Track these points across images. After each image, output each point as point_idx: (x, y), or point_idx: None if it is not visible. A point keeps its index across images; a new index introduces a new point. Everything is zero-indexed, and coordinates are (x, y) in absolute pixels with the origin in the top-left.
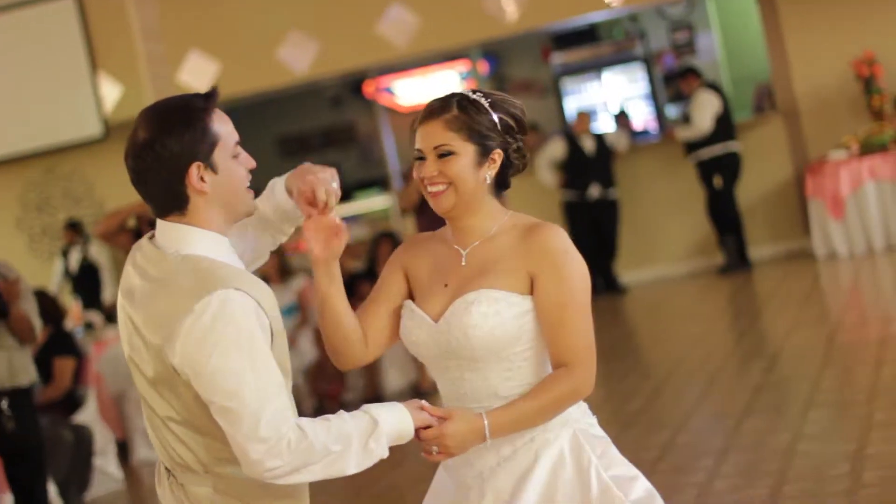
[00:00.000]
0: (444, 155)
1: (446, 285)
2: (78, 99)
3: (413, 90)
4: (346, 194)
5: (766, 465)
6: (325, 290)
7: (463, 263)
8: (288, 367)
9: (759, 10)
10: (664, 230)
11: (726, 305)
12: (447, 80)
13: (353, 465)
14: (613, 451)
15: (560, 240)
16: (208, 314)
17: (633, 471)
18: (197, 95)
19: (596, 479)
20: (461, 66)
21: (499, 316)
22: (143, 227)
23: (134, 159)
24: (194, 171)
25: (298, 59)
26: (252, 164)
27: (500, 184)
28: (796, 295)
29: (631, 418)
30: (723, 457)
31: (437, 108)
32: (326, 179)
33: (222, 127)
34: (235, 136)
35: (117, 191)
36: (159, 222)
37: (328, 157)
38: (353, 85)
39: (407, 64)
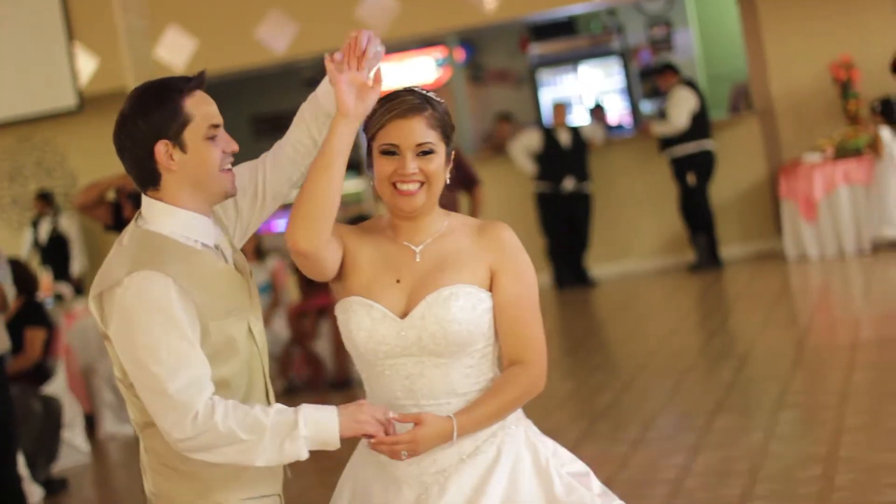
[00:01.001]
0: (426, 153)
1: (398, 281)
2: (54, 69)
3: (388, 74)
4: None
5: (737, 464)
6: (342, 148)
7: (417, 259)
8: (238, 348)
9: (738, 10)
10: (636, 225)
11: (696, 303)
12: (423, 66)
13: (262, 459)
14: (562, 449)
15: (514, 236)
16: (134, 288)
17: (584, 466)
18: (181, 78)
19: (557, 477)
20: (437, 53)
21: (474, 311)
22: (122, 201)
23: (114, 134)
24: (161, 148)
25: (277, 40)
26: (233, 147)
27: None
28: (766, 295)
29: (601, 413)
30: (694, 455)
31: (417, 105)
32: (372, 35)
33: (198, 108)
34: (213, 119)
35: (89, 163)
36: (143, 196)
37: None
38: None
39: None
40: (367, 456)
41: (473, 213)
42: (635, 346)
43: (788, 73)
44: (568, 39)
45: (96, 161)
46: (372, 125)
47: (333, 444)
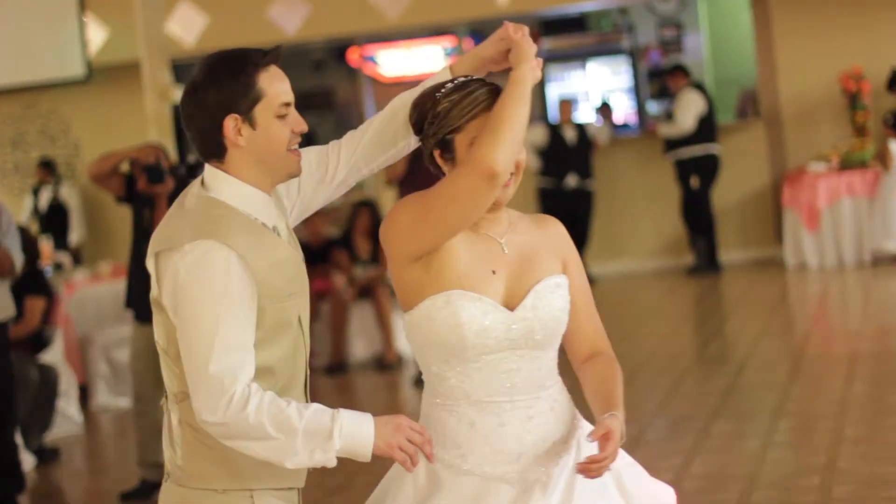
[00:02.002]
0: None
1: (494, 272)
2: (63, 38)
3: (396, 62)
4: None
5: (734, 469)
6: (529, 90)
7: (505, 251)
8: (290, 334)
9: (751, 15)
10: (637, 225)
11: (694, 306)
12: (431, 55)
13: (293, 461)
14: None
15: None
16: (192, 257)
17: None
18: (258, 50)
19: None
20: (447, 42)
21: (567, 301)
22: (136, 173)
23: (182, 102)
24: (230, 123)
25: (289, 20)
26: (302, 127)
27: None
28: (765, 302)
29: None
30: (691, 458)
31: (495, 94)
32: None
33: (272, 85)
34: (285, 97)
35: (94, 133)
36: (206, 165)
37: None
38: (337, 51)
39: (393, 35)
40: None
41: None
42: (633, 346)
43: (798, 80)
44: (578, 36)
45: (101, 131)
46: (456, 117)
47: (363, 458)
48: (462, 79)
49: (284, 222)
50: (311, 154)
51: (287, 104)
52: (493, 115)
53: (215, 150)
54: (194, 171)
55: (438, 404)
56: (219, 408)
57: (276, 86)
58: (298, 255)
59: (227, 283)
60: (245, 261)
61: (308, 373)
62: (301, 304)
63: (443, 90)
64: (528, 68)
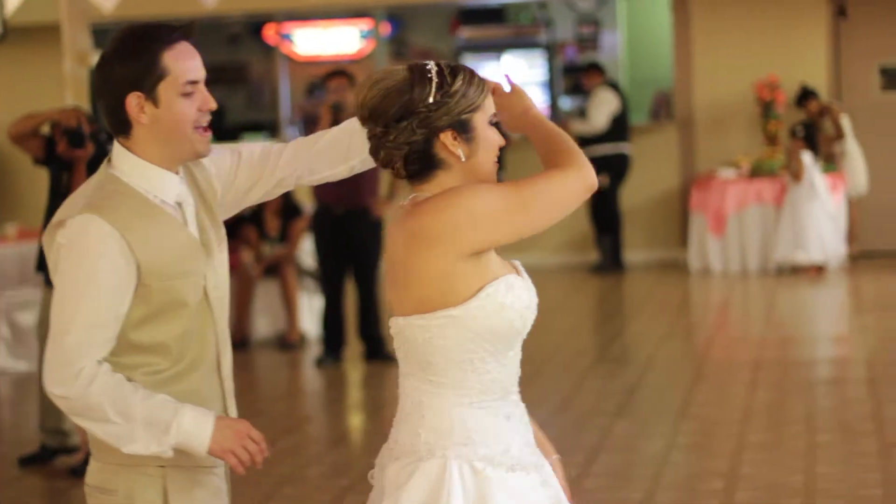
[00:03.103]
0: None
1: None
2: None
3: (311, 41)
4: (233, 135)
5: (638, 469)
6: None
7: None
8: (186, 312)
9: (671, 18)
10: None
11: (597, 304)
12: (347, 37)
13: (130, 448)
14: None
15: None
16: (71, 231)
17: None
18: (166, 27)
19: None
20: (363, 25)
21: None
22: (56, 136)
23: (93, 74)
24: (133, 100)
25: None
26: (210, 105)
27: None
28: (668, 305)
29: None
30: (594, 455)
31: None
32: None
33: (178, 63)
34: (191, 75)
35: (7, 93)
36: (115, 141)
37: (213, 93)
38: (253, 26)
39: (311, 14)
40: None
41: (392, 190)
42: (536, 341)
43: (713, 86)
44: (495, 27)
45: (15, 92)
46: (475, 95)
47: (199, 455)
48: (445, 63)
49: (203, 203)
50: (256, 147)
51: (193, 82)
52: (562, 140)
53: (121, 127)
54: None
55: (470, 403)
56: (65, 381)
57: (181, 63)
58: (198, 236)
59: (101, 258)
60: (126, 238)
61: (221, 351)
62: (202, 281)
63: (435, 76)
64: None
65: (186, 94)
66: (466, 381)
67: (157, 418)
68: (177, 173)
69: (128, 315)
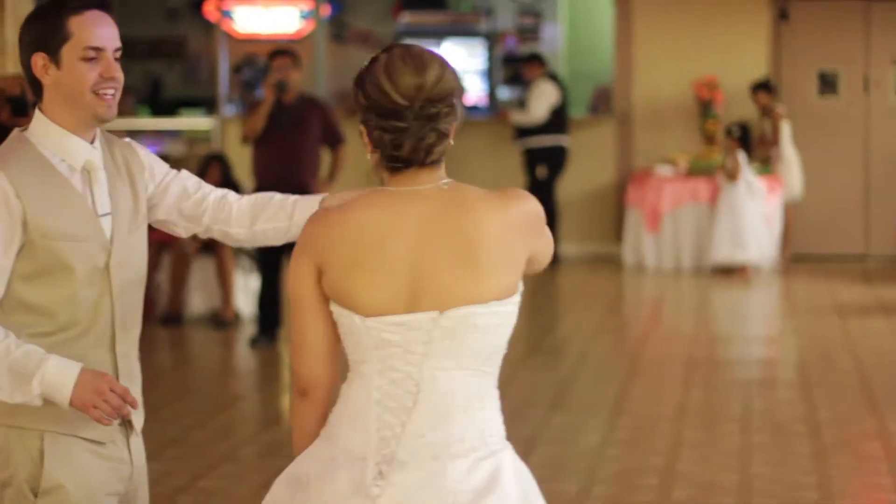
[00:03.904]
0: None
1: None
2: None
3: (251, 19)
4: (170, 109)
5: (574, 462)
6: None
7: None
8: (73, 279)
9: (614, 12)
10: None
11: (530, 296)
12: (286, 16)
13: None
14: None
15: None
16: None
17: None
18: None
19: None
20: (304, 5)
21: None
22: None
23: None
24: (38, 60)
25: None
26: (111, 73)
27: (388, 167)
28: (602, 299)
29: None
30: (530, 447)
31: None
32: None
33: (83, 29)
34: (94, 42)
35: None
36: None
37: (151, 67)
38: (193, 2)
39: None
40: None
41: (333, 171)
42: None
43: (653, 82)
44: (436, 13)
45: None
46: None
47: (63, 406)
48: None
49: (122, 179)
50: (191, 179)
51: (96, 48)
52: None
53: (34, 87)
54: None
55: (497, 397)
56: None
57: (87, 30)
58: (90, 204)
59: None
60: (15, 188)
61: (117, 329)
62: (98, 253)
63: None
64: None
65: (88, 59)
66: (495, 379)
67: (21, 368)
68: (90, 142)
69: (15, 269)
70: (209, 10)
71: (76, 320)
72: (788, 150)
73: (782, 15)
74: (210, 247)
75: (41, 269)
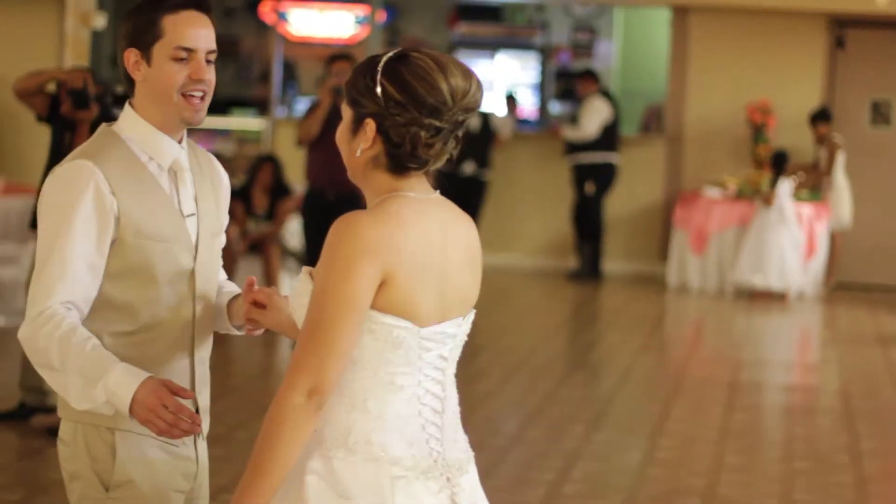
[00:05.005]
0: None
1: None
2: None
3: (306, 22)
4: (222, 108)
5: (615, 479)
6: None
7: None
8: (158, 281)
9: (670, 32)
10: (526, 221)
11: (574, 311)
12: (341, 21)
13: (72, 400)
14: None
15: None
16: (59, 171)
17: None
18: None
19: None
20: (359, 11)
21: None
22: (61, 95)
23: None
24: (130, 56)
25: None
26: (200, 75)
27: (396, 166)
28: (645, 318)
29: (479, 401)
30: (572, 461)
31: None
32: None
33: (176, 28)
34: (185, 42)
35: (9, 52)
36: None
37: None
38: (250, 2)
39: None
40: None
41: None
42: (510, 342)
43: (706, 103)
44: (491, 25)
45: (15, 50)
46: None
47: (122, 410)
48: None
49: (206, 185)
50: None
51: (187, 49)
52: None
53: (128, 83)
54: (122, 101)
55: None
56: (28, 321)
57: (180, 30)
58: (178, 206)
59: (82, 196)
60: (110, 184)
61: (201, 337)
62: (184, 258)
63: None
64: None
65: (178, 59)
66: None
67: (90, 372)
68: (178, 141)
69: (105, 269)
70: (265, 12)
71: (159, 320)
72: (840, 179)
73: (839, 43)
74: (258, 247)
75: (128, 268)
